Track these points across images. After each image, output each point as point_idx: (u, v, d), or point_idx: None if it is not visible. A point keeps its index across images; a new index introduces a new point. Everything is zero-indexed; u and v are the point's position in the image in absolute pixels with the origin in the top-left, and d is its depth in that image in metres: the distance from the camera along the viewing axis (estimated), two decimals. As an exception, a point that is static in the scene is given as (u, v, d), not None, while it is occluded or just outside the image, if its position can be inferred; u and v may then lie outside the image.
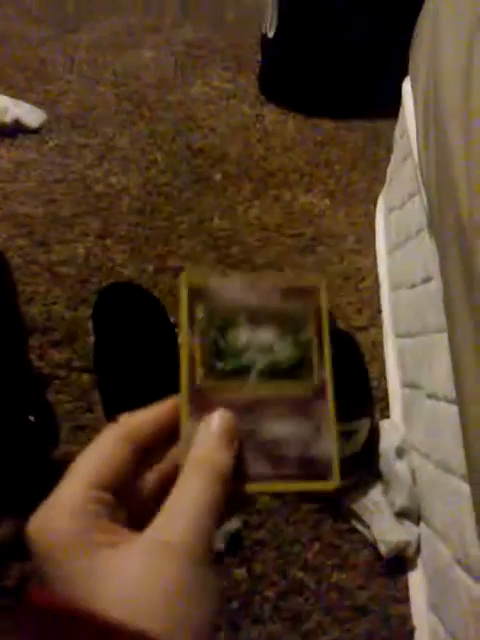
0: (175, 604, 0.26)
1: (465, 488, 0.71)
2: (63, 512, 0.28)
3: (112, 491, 0.30)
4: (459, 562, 0.74)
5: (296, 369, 0.34)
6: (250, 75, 1.85)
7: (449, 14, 0.92)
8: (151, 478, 0.33)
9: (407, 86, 1.16)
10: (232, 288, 0.35)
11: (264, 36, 1.75)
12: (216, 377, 0.34)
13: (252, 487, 0.32)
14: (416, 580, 0.90)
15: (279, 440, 0.33)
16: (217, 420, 0.32)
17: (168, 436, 0.33)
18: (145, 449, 0.32)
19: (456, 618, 0.75)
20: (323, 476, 0.33)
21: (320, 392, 0.34)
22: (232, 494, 0.31)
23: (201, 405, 0.33)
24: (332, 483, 0.33)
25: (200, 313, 0.35)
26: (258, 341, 0.34)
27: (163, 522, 0.29)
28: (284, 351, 0.34)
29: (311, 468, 0.33)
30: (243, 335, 0.34)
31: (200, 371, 0.34)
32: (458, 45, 0.83)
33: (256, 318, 0.35)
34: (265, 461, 0.33)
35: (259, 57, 1.84)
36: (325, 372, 0.34)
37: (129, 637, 0.25)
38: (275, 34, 1.69)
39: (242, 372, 0.34)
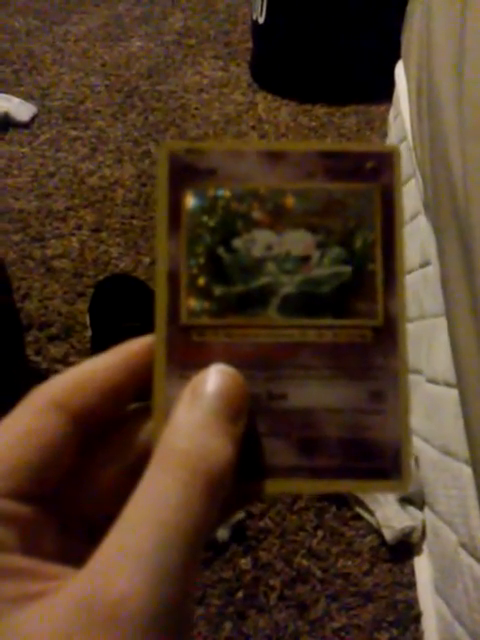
0: None
1: (468, 472, 0.71)
2: None
3: (34, 497, 0.19)
4: (464, 546, 0.73)
5: (347, 297, 0.22)
6: (242, 63, 1.83)
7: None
8: (110, 472, 0.21)
9: (400, 69, 1.15)
10: (245, 162, 0.22)
11: (255, 22, 1.73)
12: (213, 310, 0.22)
13: (271, 487, 0.21)
14: (422, 565, 0.90)
15: (314, 413, 0.21)
16: (209, 382, 0.20)
17: (135, 403, 0.22)
18: (96, 424, 0.21)
19: (462, 602, 0.74)
20: (383, 472, 0.21)
21: (386, 336, 0.22)
22: (231, 497, 0.19)
23: (188, 356, 0.21)
24: (400, 483, 0.21)
25: (190, 205, 0.22)
26: (285, 250, 0.22)
27: (104, 563, 0.16)
28: (327, 266, 0.22)
29: (364, 459, 0.21)
30: (260, 240, 0.22)
31: (188, 301, 0.22)
32: (450, 25, 0.82)
33: (282, 211, 0.22)
34: (291, 446, 0.21)
35: (250, 44, 1.82)
36: (396, 303, 0.22)
37: None
38: (266, 20, 1.67)
39: (257, 302, 0.22)
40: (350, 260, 0.22)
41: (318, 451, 0.21)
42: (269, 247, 0.22)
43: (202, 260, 0.22)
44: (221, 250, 0.22)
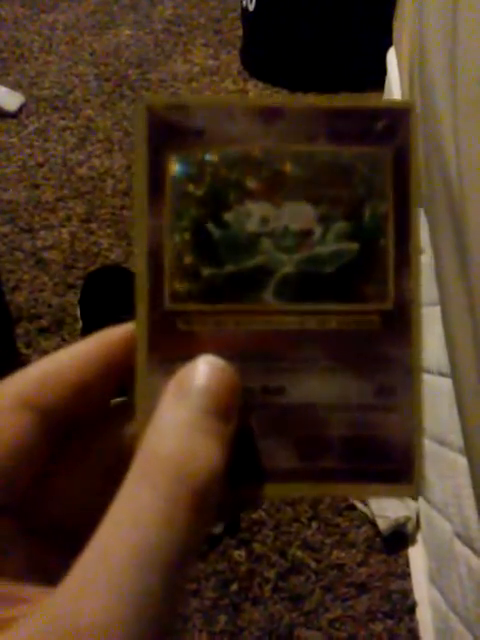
0: None
1: (462, 461, 0.70)
2: None
3: (0, 506, 0.17)
4: (459, 536, 0.73)
5: (353, 278, 0.19)
6: (232, 51, 1.81)
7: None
8: (86, 477, 0.19)
9: (391, 56, 1.14)
10: (235, 123, 0.19)
11: (245, 10, 1.71)
12: (201, 294, 0.19)
13: (267, 492, 0.19)
14: (416, 555, 0.90)
15: (315, 409, 0.19)
16: (199, 375, 0.18)
17: (114, 398, 0.20)
18: (69, 423, 0.19)
19: (457, 592, 0.74)
20: (393, 474, 0.19)
21: (396, 323, 0.19)
22: (225, 503, 0.18)
23: (173, 347, 0.19)
24: (410, 488, 0.19)
25: (173, 172, 0.19)
26: (282, 224, 0.19)
27: (76, 587, 0.15)
28: (331, 243, 0.19)
29: (372, 459, 0.19)
30: (255, 213, 0.19)
31: (172, 283, 0.19)
32: (442, 9, 0.81)
33: (280, 180, 0.19)
34: (290, 446, 0.19)
35: (241, 32, 1.80)
36: (409, 285, 0.19)
37: None
38: (256, 7, 1.65)
39: (250, 284, 0.19)
40: (357, 235, 0.19)
41: (320, 452, 0.19)
42: (265, 221, 0.19)
43: (188, 236, 0.19)
44: (210, 225, 0.19)
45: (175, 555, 0.15)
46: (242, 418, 0.18)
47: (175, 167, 0.19)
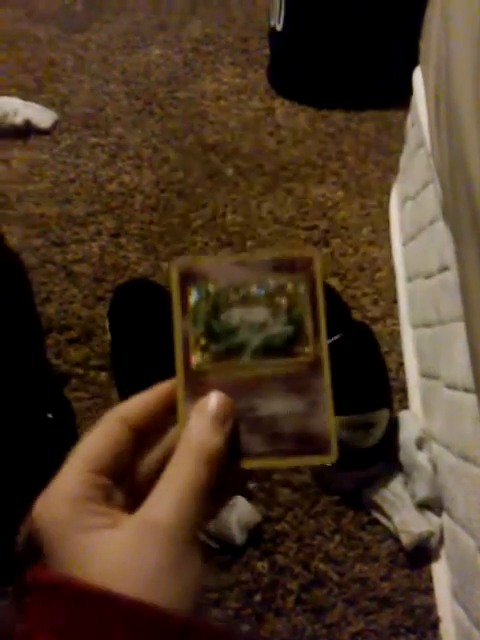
0: (156, 578, 0.29)
1: (487, 476, 0.70)
2: (61, 498, 0.31)
3: (110, 474, 0.32)
4: (482, 551, 0.73)
5: (291, 345, 0.34)
6: (259, 69, 1.84)
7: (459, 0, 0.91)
8: (151, 460, 0.35)
9: (418, 74, 1.15)
10: (223, 268, 0.35)
11: (272, 29, 1.74)
12: (211, 359, 0.34)
13: (246, 463, 0.33)
14: (439, 571, 0.89)
15: (275, 417, 0.34)
16: (209, 402, 0.33)
17: (168, 418, 0.35)
18: (144, 431, 0.34)
19: (481, 607, 0.74)
20: (320, 450, 0.33)
21: (316, 366, 0.34)
22: (227, 474, 0.32)
23: (198, 387, 0.34)
24: (329, 457, 0.33)
25: (192, 297, 0.35)
26: (251, 319, 0.35)
27: (152, 503, 0.30)
28: (278, 327, 0.34)
29: (308, 443, 0.33)
30: (236, 314, 0.35)
31: (195, 354, 0.34)
32: (468, 30, 0.82)
33: (249, 296, 0.35)
34: (261, 439, 0.33)
35: (268, 51, 1.83)
36: (320, 346, 0.34)
37: (116, 602, 0.28)
38: (283, 26, 1.68)
39: (237, 352, 0.34)
40: (292, 323, 0.35)
41: (278, 440, 0.34)
42: (242, 318, 0.35)
43: (202, 330, 0.35)
44: (213, 322, 0.35)
45: (200, 489, 0.31)
46: (234, 424, 0.33)
47: (194, 294, 0.35)
